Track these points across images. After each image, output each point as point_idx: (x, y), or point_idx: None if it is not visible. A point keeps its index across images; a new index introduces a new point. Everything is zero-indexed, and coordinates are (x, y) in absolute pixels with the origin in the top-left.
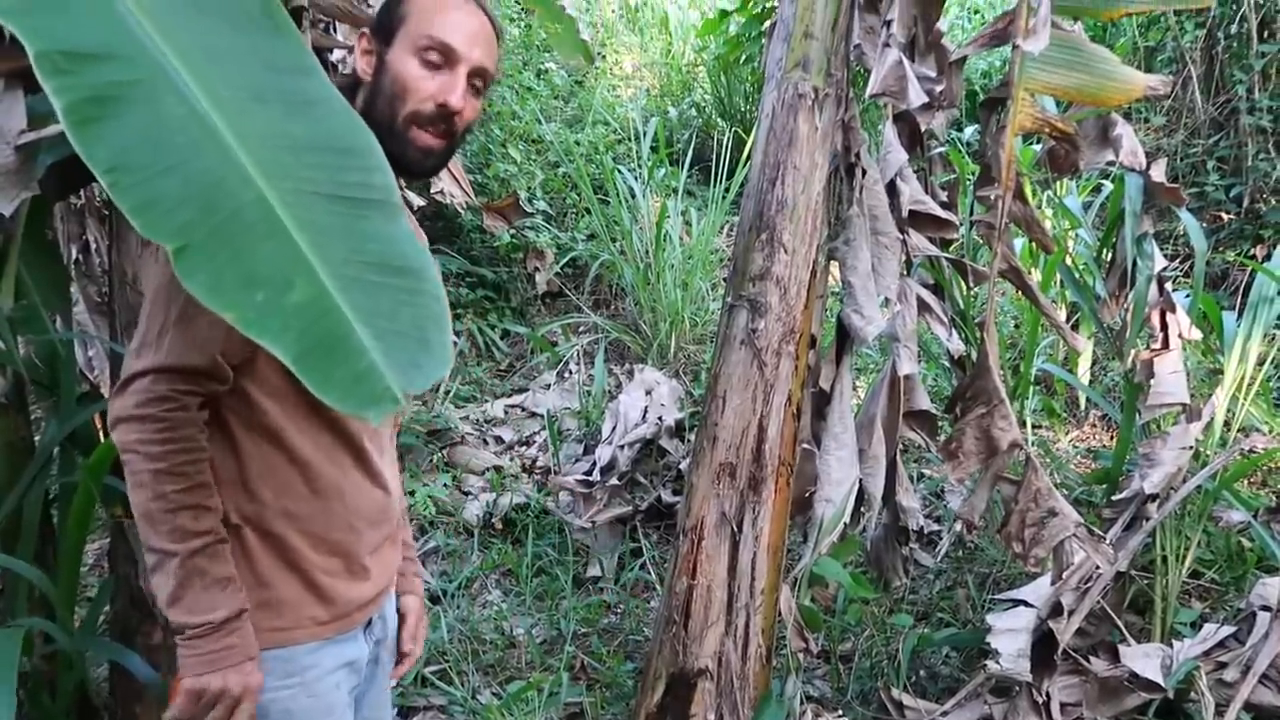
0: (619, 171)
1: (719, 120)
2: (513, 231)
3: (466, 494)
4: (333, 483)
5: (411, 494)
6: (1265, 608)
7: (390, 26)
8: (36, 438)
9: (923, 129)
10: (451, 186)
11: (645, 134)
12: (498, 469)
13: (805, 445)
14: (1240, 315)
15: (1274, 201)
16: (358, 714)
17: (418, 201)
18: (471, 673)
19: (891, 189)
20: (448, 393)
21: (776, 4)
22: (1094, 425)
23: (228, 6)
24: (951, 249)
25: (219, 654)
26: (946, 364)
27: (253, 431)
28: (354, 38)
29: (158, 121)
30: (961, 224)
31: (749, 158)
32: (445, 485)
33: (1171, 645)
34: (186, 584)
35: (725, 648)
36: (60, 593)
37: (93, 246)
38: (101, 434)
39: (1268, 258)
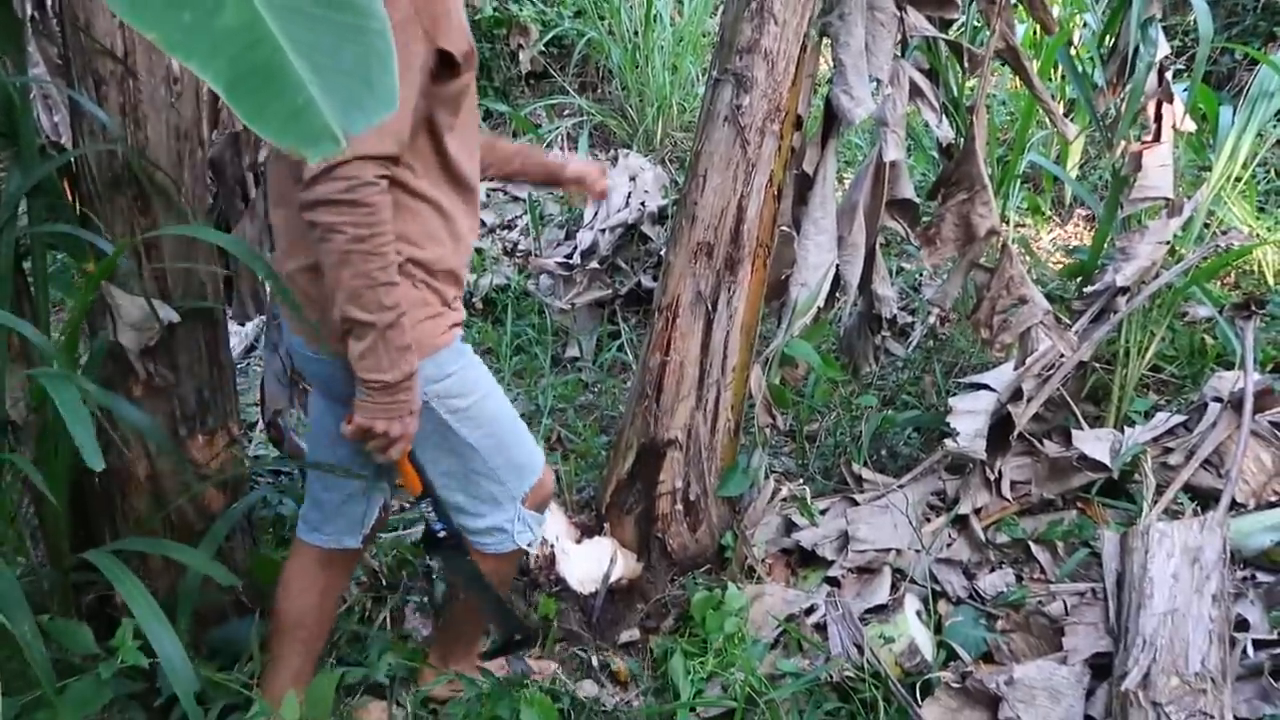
0: None
1: None
2: (495, 4)
3: None
4: (463, 228)
5: None
6: (1217, 399)
7: None
8: None
9: None
10: None
11: None
12: (479, 251)
13: (784, 228)
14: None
15: None
16: None
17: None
18: None
19: None
20: None
21: None
22: (1077, 225)
23: None
24: (951, 31)
25: (391, 405)
26: (934, 155)
27: (414, 197)
28: None
29: None
30: (963, 7)
31: None
32: None
33: (1123, 431)
34: (376, 349)
35: (695, 421)
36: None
37: (49, 3)
38: (69, 190)
39: None
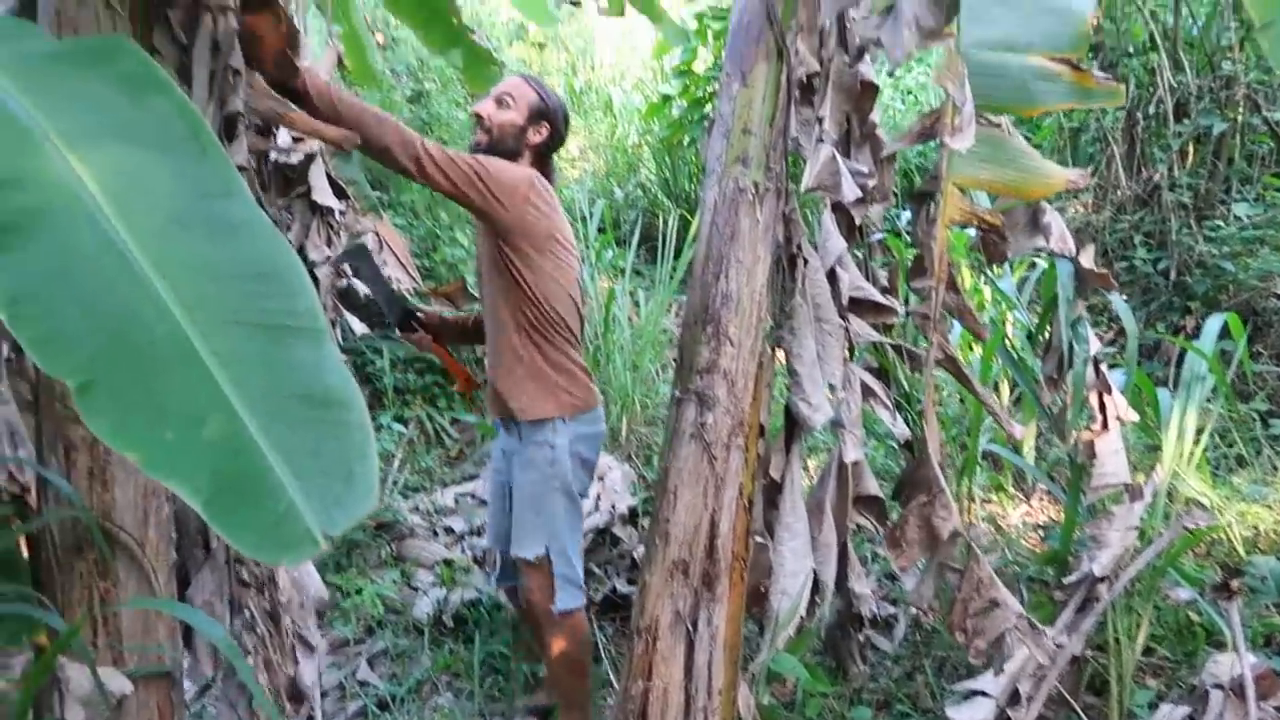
0: None
1: (664, 200)
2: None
3: (415, 589)
4: None
5: (359, 592)
6: (1218, 686)
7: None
8: None
9: (857, 221)
10: (397, 271)
11: (592, 216)
12: (448, 562)
13: (758, 538)
14: (1174, 389)
15: (1199, 274)
16: None
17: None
18: None
19: (832, 277)
20: (396, 483)
21: (716, 95)
22: (1041, 500)
23: (153, 131)
24: (893, 333)
25: None
26: (894, 445)
27: None
28: (292, 139)
29: (67, 251)
30: (902, 308)
31: (695, 237)
32: (394, 581)
33: None
34: None
35: None
36: None
37: None
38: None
39: (1197, 329)
